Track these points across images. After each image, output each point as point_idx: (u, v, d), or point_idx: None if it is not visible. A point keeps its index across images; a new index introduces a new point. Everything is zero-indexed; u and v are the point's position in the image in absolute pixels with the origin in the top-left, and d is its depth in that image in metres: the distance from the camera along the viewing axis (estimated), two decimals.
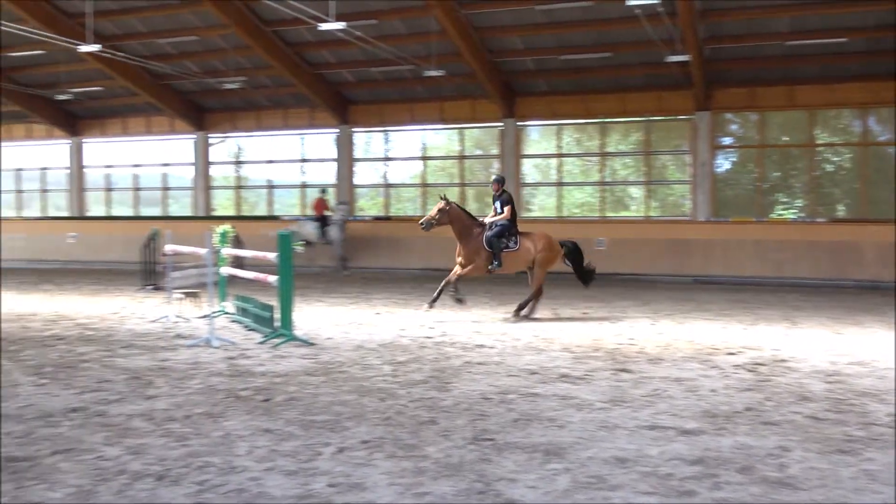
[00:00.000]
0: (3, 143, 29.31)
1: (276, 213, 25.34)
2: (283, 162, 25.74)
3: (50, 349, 9.19)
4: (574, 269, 13.43)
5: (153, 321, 11.78)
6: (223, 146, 26.52)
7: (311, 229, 21.77)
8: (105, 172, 28.21)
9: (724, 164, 21.58)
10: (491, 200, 13.17)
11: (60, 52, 21.92)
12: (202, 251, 10.61)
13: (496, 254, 12.39)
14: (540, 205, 23.57)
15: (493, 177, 13.35)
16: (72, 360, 8.46)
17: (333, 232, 21.84)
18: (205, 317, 11.62)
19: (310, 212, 23.16)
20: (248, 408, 6.25)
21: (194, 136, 26.23)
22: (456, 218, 12.59)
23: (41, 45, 21.90)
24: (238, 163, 26.51)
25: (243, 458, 4.93)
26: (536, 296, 12.74)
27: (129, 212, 27.79)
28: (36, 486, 4.38)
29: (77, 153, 28.13)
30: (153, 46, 22.48)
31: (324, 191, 23.03)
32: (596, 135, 22.52)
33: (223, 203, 26.72)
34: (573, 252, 13.31)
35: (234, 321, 11.55)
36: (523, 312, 12.57)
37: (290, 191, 26.01)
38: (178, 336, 10.25)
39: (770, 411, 6.30)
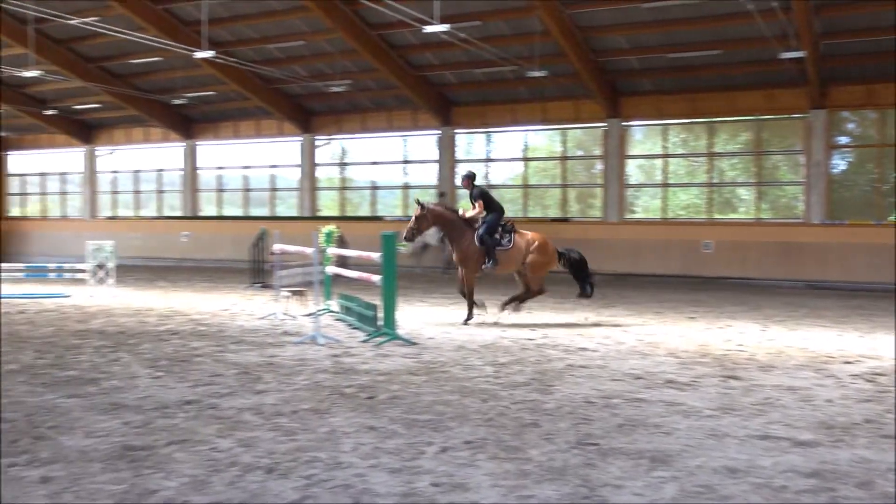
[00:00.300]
0: (123, 146, 30.82)
1: (379, 214, 25.73)
2: (386, 163, 26.11)
3: (165, 343, 9.58)
4: (574, 276, 12.67)
5: (261, 318, 12.13)
6: (328, 148, 27.10)
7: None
8: (217, 174, 29.25)
9: (839, 164, 20.67)
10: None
11: (177, 58, 22.86)
12: (308, 250, 10.85)
13: (489, 251, 11.77)
14: (644, 206, 23.12)
15: (464, 173, 12.58)
16: (186, 354, 8.79)
17: None
18: (310, 315, 11.88)
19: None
20: (352, 405, 6.35)
21: (301, 139, 26.90)
22: (439, 219, 12.00)
23: (160, 52, 22.92)
24: (343, 164, 27.04)
25: (348, 454, 5.00)
26: (530, 296, 12.32)
27: (238, 212, 28.73)
28: (153, 474, 4.56)
29: (191, 155, 29.27)
30: (263, 52, 23.17)
31: (442, 194, 22.94)
32: (703, 134, 21.92)
33: (328, 204, 27.31)
34: (577, 263, 12.57)
35: (338, 319, 11.78)
36: (509, 308, 12.22)
37: (393, 192, 26.35)
38: (286, 333, 10.52)
39: (891, 424, 5.98)
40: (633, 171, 22.98)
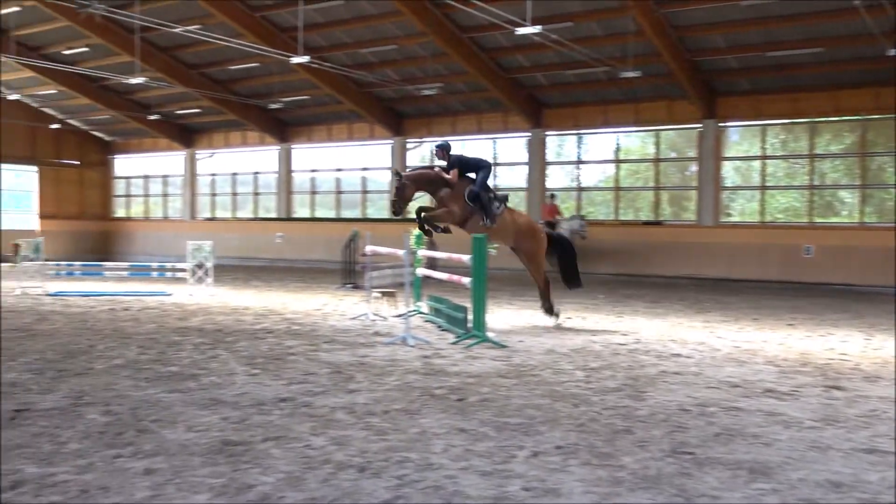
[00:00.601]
0: (222, 150, 31.81)
1: None
2: None
3: (261, 342, 9.82)
4: (560, 267, 12.09)
5: (353, 318, 12.32)
6: (419, 150, 27.33)
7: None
8: (310, 176, 29.88)
9: None
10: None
11: (274, 64, 23.48)
12: (400, 252, 10.95)
13: (486, 208, 11.22)
14: (740, 209, 22.48)
15: (437, 143, 12.01)
16: (280, 352, 9.00)
17: None
18: (400, 316, 11.99)
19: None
20: (442, 406, 6.37)
21: (392, 142, 27.22)
22: (420, 180, 11.52)
23: (257, 58, 23.55)
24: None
25: (439, 455, 5.02)
26: (546, 290, 11.85)
27: (330, 213, 29.27)
28: (250, 469, 4.67)
29: (286, 158, 29.99)
30: (356, 56, 23.54)
31: (553, 196, 22.67)
32: (804, 135, 21.17)
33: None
34: (563, 248, 12.08)
35: (427, 321, 11.85)
36: (555, 311, 11.82)
37: None
38: (376, 333, 10.65)
39: None
40: (729, 173, 22.37)
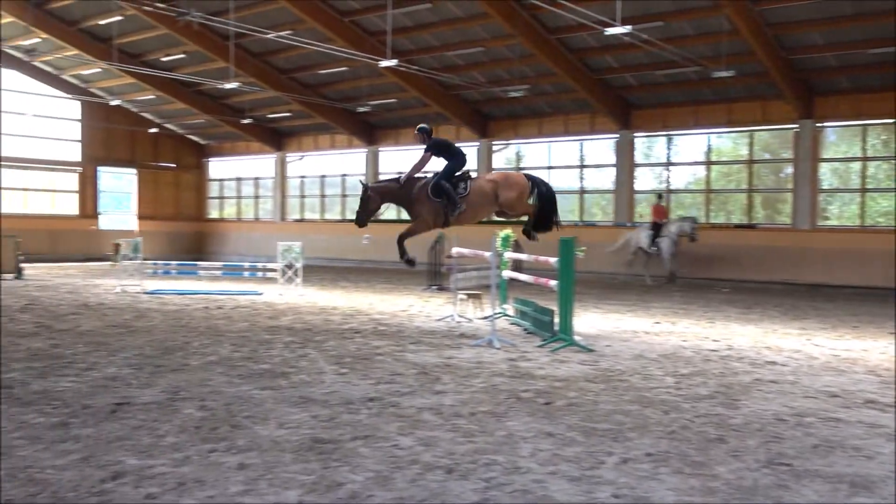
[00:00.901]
0: (311, 153, 32.44)
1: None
2: (562, 168, 25.94)
3: (349, 341, 9.96)
4: (537, 210, 11.43)
5: (438, 320, 12.37)
6: (504, 152, 27.29)
7: (643, 236, 20.90)
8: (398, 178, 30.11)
9: None
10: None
11: (362, 67, 23.82)
12: (486, 254, 10.94)
13: (450, 197, 10.87)
14: (838, 213, 21.64)
15: (418, 126, 11.65)
16: (368, 352, 9.10)
17: (664, 243, 20.47)
18: (486, 318, 11.99)
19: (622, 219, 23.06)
20: (529, 410, 6.32)
21: (478, 144, 27.23)
22: (385, 194, 11.36)
23: (346, 62, 23.96)
24: (518, 169, 27.12)
25: (527, 459, 4.98)
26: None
27: None
28: (340, 467, 4.73)
29: (373, 161, 30.36)
30: (443, 59, 23.66)
31: (660, 196, 22.16)
32: None
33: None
34: (545, 197, 11.46)
35: (513, 323, 11.81)
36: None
37: (569, 196, 26.12)
38: (462, 335, 10.67)
39: None
40: (826, 174, 21.57)
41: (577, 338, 9.79)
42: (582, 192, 25.56)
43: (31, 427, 5.50)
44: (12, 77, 30.36)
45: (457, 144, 11.75)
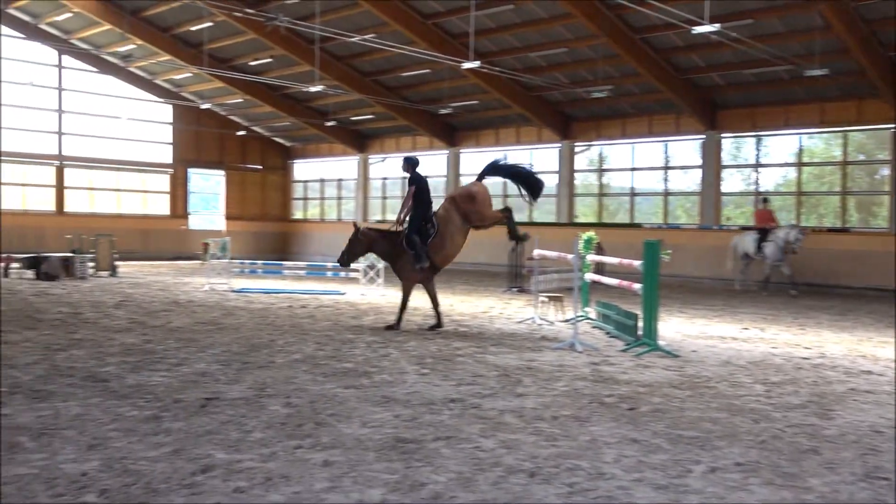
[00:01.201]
0: (393, 154, 32.74)
1: (637, 221, 25.19)
2: (645, 169, 25.51)
3: (429, 342, 10.00)
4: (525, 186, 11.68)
5: (519, 322, 12.31)
6: (586, 154, 27.01)
7: (748, 242, 19.91)
8: None
9: None
10: None
11: (444, 69, 23.91)
12: (569, 256, 10.84)
13: (417, 251, 10.94)
14: None
15: (406, 156, 11.67)
16: (448, 353, 9.12)
17: (769, 249, 19.32)
18: (568, 321, 11.88)
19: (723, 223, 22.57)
20: (613, 415, 6.22)
21: (559, 145, 27.03)
22: (373, 242, 11.51)
23: (428, 64, 24.10)
24: (601, 170, 26.81)
25: (611, 465, 4.90)
26: (510, 220, 11.51)
27: None
28: (422, 467, 4.74)
29: (454, 162, 30.45)
30: (526, 60, 23.56)
31: (765, 200, 21.24)
32: None
33: (584, 210, 27.18)
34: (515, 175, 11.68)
35: (595, 327, 11.66)
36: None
37: (652, 199, 25.70)
38: (543, 338, 10.59)
39: None
40: None
41: (661, 342, 9.60)
42: (666, 193, 25.09)
43: (125, 420, 5.69)
44: (109, 82, 31.59)
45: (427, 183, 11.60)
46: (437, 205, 11.48)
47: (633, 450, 5.26)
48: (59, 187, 30.84)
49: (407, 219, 11.35)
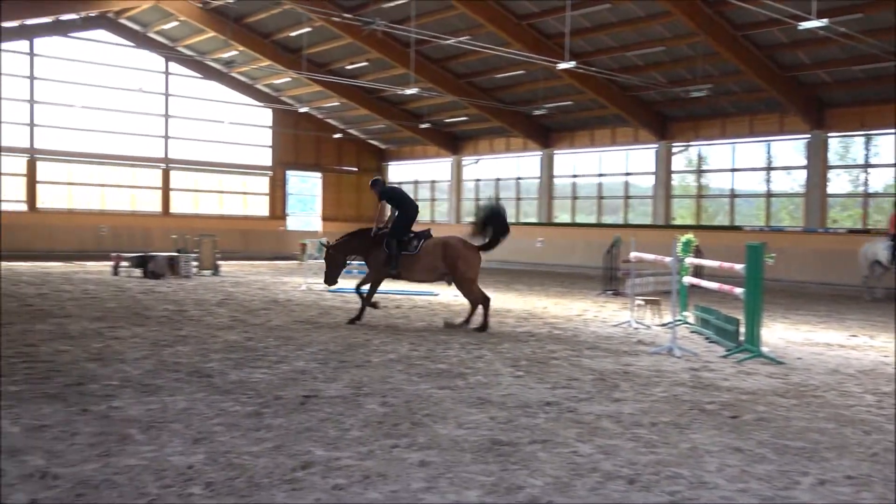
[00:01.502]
0: (486, 156, 32.78)
1: (737, 224, 24.47)
2: (746, 170, 24.77)
3: (523, 344, 9.94)
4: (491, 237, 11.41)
5: (615, 326, 12.12)
6: (684, 155, 26.40)
7: (879, 249, 18.60)
8: (572, 181, 29.90)
9: None
10: None
11: (539, 70, 23.80)
12: (667, 259, 10.61)
13: (392, 257, 11.21)
14: None
15: (371, 180, 12.24)
16: (543, 356, 9.04)
17: None
18: (665, 325, 11.63)
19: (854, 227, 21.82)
20: (714, 423, 6.05)
21: (656, 146, 26.52)
22: (347, 248, 11.83)
23: (523, 65, 24.03)
24: (700, 171, 26.16)
25: (713, 474, 4.76)
26: (475, 307, 11.38)
27: (591, 219, 29.09)
28: (518, 471, 4.71)
29: (548, 163, 30.26)
30: (622, 60, 23.22)
31: None
32: None
33: (681, 212, 26.59)
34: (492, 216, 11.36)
35: (693, 332, 11.37)
36: (459, 322, 11.45)
37: (753, 200, 24.93)
38: (640, 342, 10.39)
39: None
40: None
41: (764, 349, 9.29)
42: (768, 195, 24.29)
43: (228, 415, 5.85)
44: (212, 87, 32.72)
45: (409, 195, 12.11)
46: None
47: (736, 459, 5.09)
48: (165, 189, 32.10)
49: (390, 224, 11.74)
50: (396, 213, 11.60)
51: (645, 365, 8.61)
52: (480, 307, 11.38)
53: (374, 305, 11.86)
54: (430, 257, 11.37)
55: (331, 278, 11.92)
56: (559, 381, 7.50)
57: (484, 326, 11.12)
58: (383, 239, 11.50)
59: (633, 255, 12.27)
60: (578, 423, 5.89)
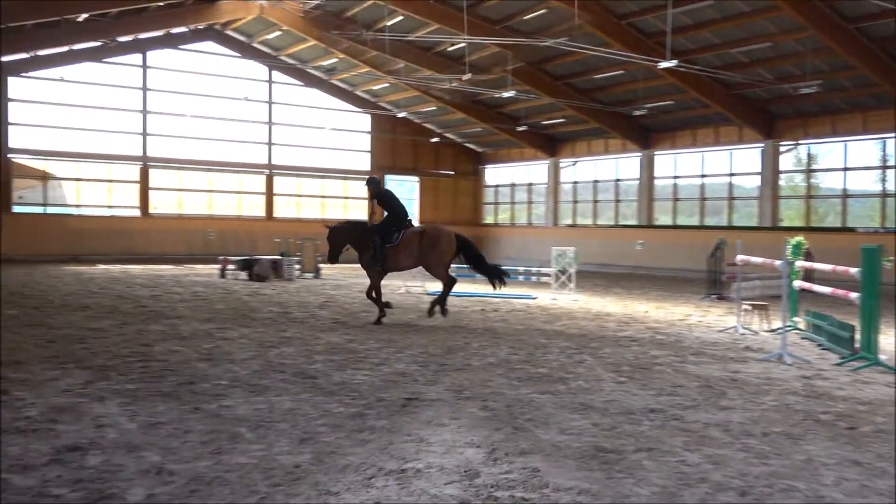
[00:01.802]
0: (584, 158, 32.41)
1: (850, 225, 23.41)
2: (860, 169, 23.66)
3: (625, 349, 9.76)
4: (471, 266, 12.46)
5: (720, 331, 11.76)
6: (792, 153, 25.44)
7: None
8: (672, 182, 29.23)
9: None
10: None
11: (638, 70, 23.38)
12: (776, 262, 10.23)
13: (375, 252, 11.92)
14: None
15: (367, 179, 12.69)
16: (646, 361, 8.85)
17: None
18: (774, 331, 11.23)
19: None
20: (830, 434, 5.78)
21: (762, 145, 25.65)
22: (355, 239, 12.26)
23: (622, 65, 23.65)
24: (809, 171, 25.15)
25: (831, 488, 4.55)
26: (447, 289, 11.98)
27: (693, 221, 28.35)
28: (623, 479, 4.61)
29: (648, 164, 29.67)
30: (725, 57, 22.55)
31: None
32: None
33: (789, 213, 25.61)
34: (463, 246, 12.33)
35: (804, 338, 10.94)
36: (437, 309, 11.93)
37: (867, 200, 23.79)
38: (747, 348, 10.05)
39: None
40: None
41: (882, 357, 8.83)
42: (884, 195, 23.11)
43: (333, 415, 5.95)
44: (314, 94, 33.48)
45: (398, 198, 12.57)
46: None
47: (854, 473, 4.86)
48: (269, 194, 33.01)
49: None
50: (385, 214, 12.41)
51: (754, 372, 8.33)
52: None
53: (388, 305, 12.30)
54: (410, 245, 12.08)
55: (333, 257, 12.46)
56: (663, 388, 7.32)
57: (436, 303, 11.95)
58: (370, 236, 12.21)
59: (740, 257, 11.87)
60: (685, 432, 5.73)
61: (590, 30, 21.88)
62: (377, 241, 12.01)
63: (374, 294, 12.18)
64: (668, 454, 5.14)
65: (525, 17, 23.25)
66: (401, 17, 25.18)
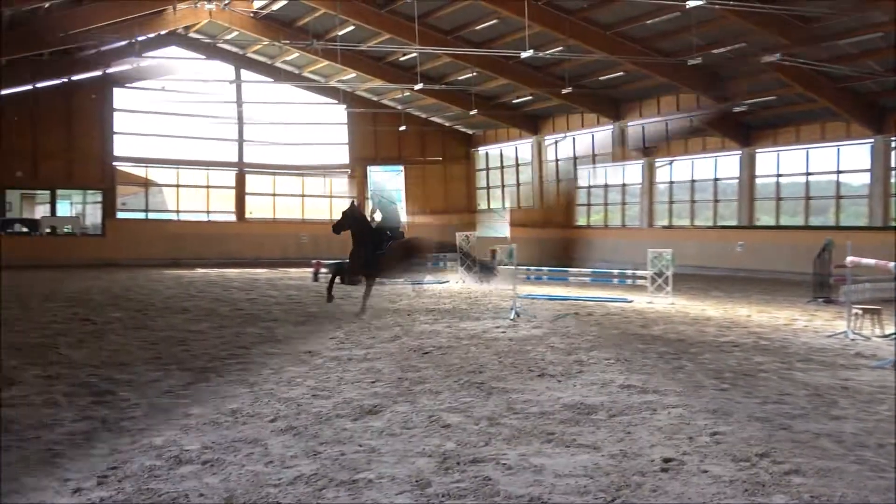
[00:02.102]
0: (680, 157, 31.57)
1: None
2: None
3: (727, 355, 9.35)
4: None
5: (829, 336, 11.16)
6: None
7: None
8: (775, 181, 28.12)
9: None
10: None
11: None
12: (890, 264, 9.63)
13: (367, 258, 13.06)
14: None
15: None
16: (749, 368, 8.46)
17: None
18: (887, 336, 10.59)
19: None
20: None
21: (872, 140, 24.40)
22: (351, 219, 13.46)
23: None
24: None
25: None
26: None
27: (797, 221, 27.21)
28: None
29: (748, 163, 28.62)
30: (832, 49, 21.55)
31: None
32: None
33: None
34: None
35: None
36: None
37: None
38: (859, 355, 9.50)
39: None
40: None
41: None
42: None
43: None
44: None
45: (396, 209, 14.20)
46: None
47: None
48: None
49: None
50: (381, 218, 13.65)
51: (866, 380, 7.84)
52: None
53: (331, 299, 13.50)
54: (397, 254, 13.19)
55: (337, 229, 13.74)
56: (769, 396, 6.96)
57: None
58: (363, 241, 13.23)
59: (850, 259, 11.22)
60: (794, 442, 5.41)
61: None
62: (369, 248, 13.14)
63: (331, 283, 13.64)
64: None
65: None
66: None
